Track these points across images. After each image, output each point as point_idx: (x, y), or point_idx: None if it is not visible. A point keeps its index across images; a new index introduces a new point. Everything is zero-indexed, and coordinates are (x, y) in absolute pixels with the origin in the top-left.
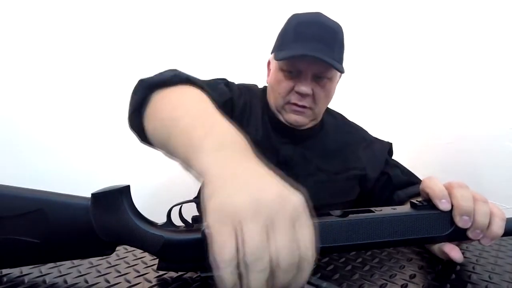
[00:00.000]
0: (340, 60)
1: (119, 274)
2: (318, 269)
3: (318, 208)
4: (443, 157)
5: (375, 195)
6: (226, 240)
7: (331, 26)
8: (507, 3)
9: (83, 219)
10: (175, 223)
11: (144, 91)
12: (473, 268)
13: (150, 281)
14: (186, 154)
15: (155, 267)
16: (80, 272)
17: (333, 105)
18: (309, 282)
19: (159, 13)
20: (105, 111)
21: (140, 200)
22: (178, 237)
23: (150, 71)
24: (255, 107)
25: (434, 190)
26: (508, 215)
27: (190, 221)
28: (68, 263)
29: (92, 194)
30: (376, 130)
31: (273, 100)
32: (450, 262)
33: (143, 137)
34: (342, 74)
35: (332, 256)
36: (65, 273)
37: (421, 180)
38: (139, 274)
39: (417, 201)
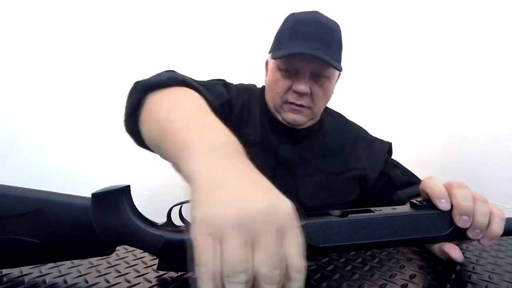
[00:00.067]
0: (337, 58)
1: (119, 274)
2: (318, 269)
3: (317, 209)
4: (443, 157)
5: (375, 195)
6: (208, 252)
7: (328, 24)
8: (507, 3)
9: (83, 219)
10: (175, 223)
11: (140, 94)
12: (473, 268)
13: (150, 281)
14: (176, 157)
15: (155, 267)
16: (80, 272)
17: (333, 104)
18: None
19: (161, 14)
20: (105, 111)
21: (140, 200)
22: (178, 237)
23: (150, 72)
24: (253, 107)
25: (433, 190)
26: (508, 215)
27: (190, 221)
28: (68, 263)
29: (92, 194)
30: (376, 130)
31: (271, 99)
32: (450, 262)
33: (139, 140)
34: (342, 74)
35: (332, 256)
36: (65, 273)
37: (421, 180)
38: (139, 274)
39: (417, 201)
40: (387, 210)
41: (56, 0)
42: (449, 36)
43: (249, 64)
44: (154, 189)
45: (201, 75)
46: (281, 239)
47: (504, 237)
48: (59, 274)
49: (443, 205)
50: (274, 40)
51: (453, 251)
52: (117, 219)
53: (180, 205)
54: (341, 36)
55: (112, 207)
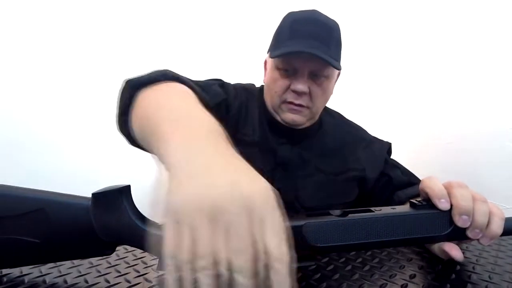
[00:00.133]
0: (336, 57)
1: (119, 274)
2: (318, 269)
3: (316, 209)
4: (443, 157)
5: (375, 195)
6: (176, 241)
7: (327, 23)
8: (507, 3)
9: (83, 219)
10: None
11: (130, 92)
12: (473, 268)
13: (150, 281)
14: (158, 148)
15: (155, 267)
16: (80, 272)
17: (333, 104)
18: None
19: (161, 14)
20: (105, 111)
21: (140, 200)
22: None
23: (149, 71)
24: (252, 107)
25: (433, 189)
26: (508, 215)
27: None
28: (68, 263)
29: (93, 194)
30: (376, 129)
31: (269, 99)
32: (450, 262)
33: (132, 139)
34: (342, 74)
35: (332, 256)
36: (65, 273)
37: (420, 180)
38: (139, 274)
39: (416, 200)
40: (387, 210)
41: (56, 0)
42: (449, 36)
43: (248, 64)
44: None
45: (200, 74)
46: (260, 227)
47: (504, 237)
48: (59, 274)
49: (443, 204)
50: (273, 39)
51: (453, 250)
52: (117, 219)
53: None
54: (340, 35)
55: (112, 207)
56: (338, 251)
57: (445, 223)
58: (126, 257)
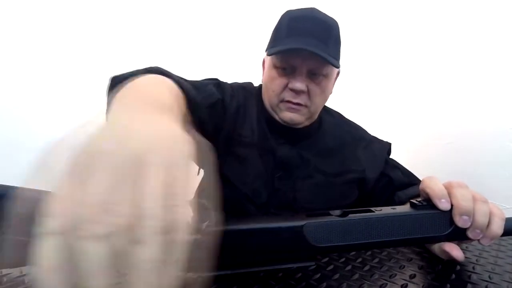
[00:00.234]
0: (335, 55)
1: None
2: (318, 269)
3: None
4: (443, 157)
5: (375, 196)
6: (63, 194)
7: (326, 21)
8: (507, 3)
9: None
10: None
11: (113, 87)
12: (473, 268)
13: None
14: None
15: None
16: None
17: (332, 104)
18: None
19: (161, 15)
20: (105, 111)
21: None
22: None
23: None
24: (250, 107)
25: (433, 189)
26: (508, 215)
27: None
28: None
29: None
30: (376, 129)
31: (267, 98)
32: (450, 262)
33: None
34: (341, 73)
35: (332, 256)
36: None
37: (421, 181)
38: None
39: (417, 200)
40: (387, 210)
41: (56, 0)
42: (449, 36)
43: (247, 63)
44: None
45: (197, 74)
46: (155, 186)
47: (504, 237)
48: None
49: (443, 205)
50: (271, 38)
51: (454, 250)
52: None
53: None
54: (339, 33)
55: None
56: (338, 251)
57: (445, 223)
58: None
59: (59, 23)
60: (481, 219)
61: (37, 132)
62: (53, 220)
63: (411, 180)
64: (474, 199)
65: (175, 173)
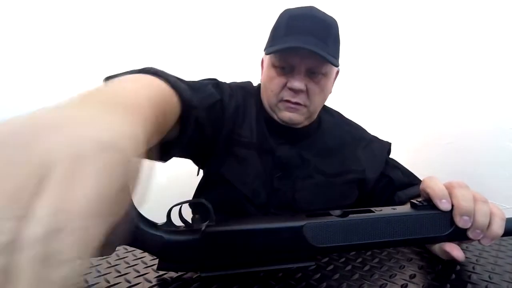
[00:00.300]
0: (335, 54)
1: (119, 274)
2: (318, 269)
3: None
4: (443, 157)
5: (376, 196)
6: None
7: (325, 19)
8: (507, 3)
9: None
10: (175, 223)
11: None
12: (473, 268)
13: (150, 281)
14: None
15: (155, 267)
16: None
17: (332, 104)
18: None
19: (158, 14)
20: None
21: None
22: (178, 237)
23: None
24: (249, 107)
25: (434, 190)
26: (508, 215)
27: (190, 221)
28: None
29: None
30: (376, 129)
31: (266, 98)
32: (450, 262)
33: None
34: (341, 73)
35: (332, 256)
36: None
37: (421, 181)
38: (139, 274)
39: (417, 201)
40: (387, 210)
41: (56, 0)
42: (449, 36)
43: (245, 63)
44: (154, 189)
45: (196, 74)
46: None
47: (504, 237)
48: None
49: (444, 205)
50: (269, 37)
51: (455, 250)
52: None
53: (180, 205)
54: (338, 32)
55: None
56: (338, 251)
57: (446, 224)
58: (126, 257)
59: (59, 24)
60: (481, 219)
61: None
62: None
63: (411, 180)
64: (475, 200)
65: (80, 191)
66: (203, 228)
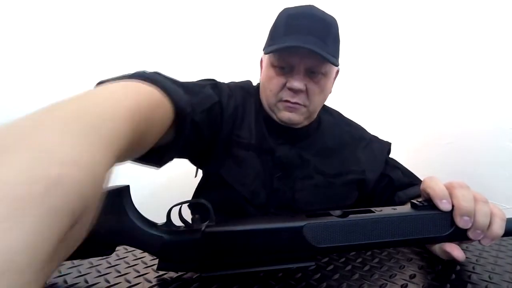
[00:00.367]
0: (334, 54)
1: (119, 274)
2: (318, 269)
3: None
4: (443, 157)
5: (376, 196)
6: None
7: (324, 18)
8: (507, 3)
9: None
10: (175, 223)
11: None
12: (473, 268)
13: (150, 281)
14: None
15: (155, 267)
16: (80, 272)
17: (332, 104)
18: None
19: (157, 14)
20: None
21: (140, 200)
22: (178, 237)
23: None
24: (248, 107)
25: (434, 190)
26: (509, 215)
27: (190, 221)
28: (68, 263)
29: None
30: (376, 129)
31: (265, 98)
32: (450, 262)
33: None
34: (341, 73)
35: (332, 256)
36: (65, 273)
37: (421, 181)
38: (139, 274)
39: (417, 201)
40: (387, 210)
41: (56, 0)
42: (449, 36)
43: (244, 63)
44: (154, 189)
45: (195, 74)
46: None
47: (504, 237)
48: (59, 274)
49: (444, 205)
50: (268, 36)
51: (455, 250)
52: (117, 219)
53: (180, 205)
54: (338, 31)
55: (111, 207)
56: (338, 251)
57: (446, 224)
58: (126, 257)
59: (59, 24)
60: (482, 219)
61: None
62: None
63: (412, 180)
64: (475, 200)
65: None
66: (203, 228)
